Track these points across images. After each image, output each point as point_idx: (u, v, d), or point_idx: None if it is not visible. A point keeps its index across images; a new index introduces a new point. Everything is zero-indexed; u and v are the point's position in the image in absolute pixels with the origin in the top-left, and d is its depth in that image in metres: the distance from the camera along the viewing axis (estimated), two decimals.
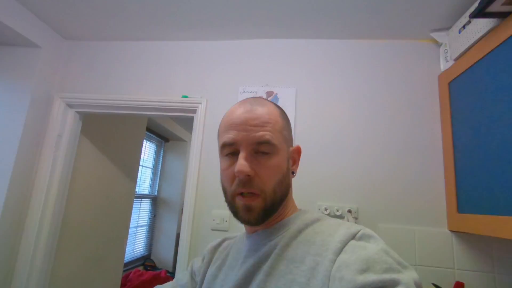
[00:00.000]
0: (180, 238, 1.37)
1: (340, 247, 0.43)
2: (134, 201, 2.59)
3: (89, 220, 1.93)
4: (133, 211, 2.52)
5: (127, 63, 1.61)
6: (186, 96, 1.50)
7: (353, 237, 0.45)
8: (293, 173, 0.57)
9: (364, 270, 0.37)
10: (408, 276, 0.37)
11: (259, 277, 0.47)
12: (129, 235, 2.48)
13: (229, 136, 0.51)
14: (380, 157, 1.31)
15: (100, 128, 2.00)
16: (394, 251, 0.42)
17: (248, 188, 0.49)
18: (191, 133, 1.52)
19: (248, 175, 0.48)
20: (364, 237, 0.44)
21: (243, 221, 0.51)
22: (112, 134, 2.14)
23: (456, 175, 1.17)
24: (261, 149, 0.50)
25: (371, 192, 1.28)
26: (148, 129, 3.25)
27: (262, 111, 0.52)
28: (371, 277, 0.36)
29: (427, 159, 1.28)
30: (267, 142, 0.49)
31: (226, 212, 1.34)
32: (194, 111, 1.49)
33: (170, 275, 3.07)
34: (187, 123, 3.54)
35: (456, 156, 1.18)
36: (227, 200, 0.53)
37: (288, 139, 0.56)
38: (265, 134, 0.50)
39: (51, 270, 1.51)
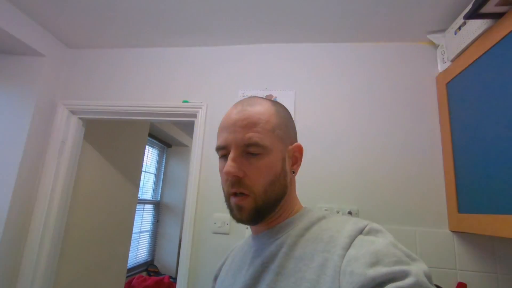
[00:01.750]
0: (182, 241, 1.38)
1: (348, 242, 0.43)
2: (137, 207, 2.60)
3: (92, 226, 1.94)
4: (136, 216, 2.53)
5: (128, 70, 1.64)
6: (186, 101, 1.52)
7: (360, 232, 0.45)
8: (293, 172, 0.56)
9: (373, 264, 0.37)
10: (417, 267, 0.37)
11: (268, 276, 0.47)
12: (132, 241, 2.49)
13: (221, 139, 0.52)
14: (380, 159, 1.32)
15: (103, 134, 2.02)
16: (402, 244, 0.42)
17: (237, 188, 0.50)
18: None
19: (237, 176, 0.49)
20: (372, 231, 0.45)
21: (236, 219, 0.52)
22: (115, 140, 2.17)
23: (456, 175, 1.17)
24: (250, 150, 0.50)
25: (371, 194, 1.29)
26: (151, 135, 3.28)
27: (253, 111, 0.52)
28: (381, 269, 0.36)
29: (426, 160, 1.29)
30: (255, 144, 0.49)
31: (227, 215, 1.35)
32: (195, 116, 1.51)
33: (173, 281, 3.07)
34: (189, 128, 3.57)
35: (455, 156, 1.19)
36: (224, 200, 0.54)
37: (285, 137, 0.54)
38: (253, 135, 0.50)
39: (54, 276, 1.52)
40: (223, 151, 0.52)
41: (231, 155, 0.50)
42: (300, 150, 0.57)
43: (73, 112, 1.62)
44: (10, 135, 1.44)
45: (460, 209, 1.14)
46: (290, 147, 0.55)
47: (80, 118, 1.64)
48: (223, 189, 0.54)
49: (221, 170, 0.53)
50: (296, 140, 0.58)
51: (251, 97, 0.57)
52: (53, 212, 1.50)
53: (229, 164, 0.49)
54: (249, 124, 0.50)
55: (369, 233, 0.44)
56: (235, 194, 0.51)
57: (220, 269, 0.67)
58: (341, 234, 0.45)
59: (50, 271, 1.48)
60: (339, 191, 1.31)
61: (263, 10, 1.29)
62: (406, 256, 0.39)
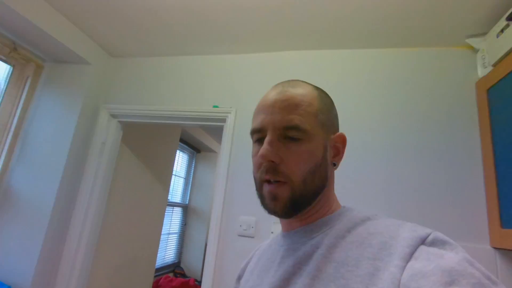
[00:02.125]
0: (208, 243, 1.41)
1: (409, 253, 0.36)
2: (166, 209, 2.70)
3: (125, 224, 2.05)
4: (165, 218, 2.63)
5: (163, 76, 1.74)
6: (216, 106, 1.58)
7: (422, 241, 0.38)
8: (334, 164, 0.50)
9: (448, 284, 0.31)
10: None
11: (302, 280, 0.42)
12: (160, 242, 2.58)
13: (257, 121, 0.48)
14: (414, 167, 1.26)
15: (139, 138, 2.14)
16: (477, 262, 0.35)
17: (273, 175, 0.45)
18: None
19: (272, 161, 0.44)
20: (437, 243, 0.37)
21: (269, 210, 0.47)
22: (149, 144, 2.28)
23: (498, 187, 1.09)
24: (289, 134, 0.45)
25: (404, 204, 1.23)
26: (181, 140, 3.41)
27: (294, 92, 0.47)
28: None
29: (465, 170, 1.21)
30: (296, 127, 0.44)
31: (253, 218, 1.36)
32: (224, 120, 1.56)
33: (198, 284, 3.12)
34: (218, 134, 3.66)
35: (497, 165, 1.10)
36: (256, 188, 0.49)
37: (327, 124, 0.48)
38: (293, 118, 0.45)
39: (90, 271, 1.61)
40: (258, 135, 0.48)
41: (267, 138, 0.45)
42: (343, 140, 0.51)
43: (113, 116, 1.74)
44: (58, 135, 1.59)
45: (504, 224, 1.05)
46: (333, 136, 0.49)
47: (119, 121, 1.76)
48: (254, 177, 0.49)
49: (254, 155, 0.48)
50: (338, 130, 0.52)
51: (291, 79, 0.51)
52: (91, 208, 1.61)
53: (265, 147, 0.44)
54: (290, 106, 0.46)
55: (433, 243, 0.37)
56: (269, 182, 0.46)
57: (244, 269, 0.62)
58: (398, 242, 0.38)
59: (86, 266, 1.58)
60: (369, 199, 1.27)
61: (292, 17, 1.31)
62: (486, 278, 0.33)
